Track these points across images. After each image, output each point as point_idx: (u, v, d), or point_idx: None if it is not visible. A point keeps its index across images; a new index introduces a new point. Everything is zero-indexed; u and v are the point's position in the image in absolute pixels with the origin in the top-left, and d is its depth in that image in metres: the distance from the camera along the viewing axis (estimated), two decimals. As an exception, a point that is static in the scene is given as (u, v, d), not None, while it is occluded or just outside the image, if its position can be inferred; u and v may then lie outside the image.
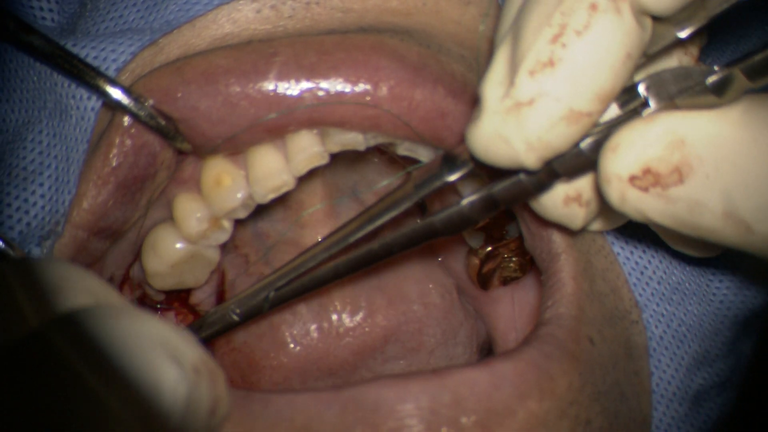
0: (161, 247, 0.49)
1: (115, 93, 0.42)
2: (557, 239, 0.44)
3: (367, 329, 0.58)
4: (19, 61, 0.45)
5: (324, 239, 0.42)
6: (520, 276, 0.54)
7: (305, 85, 0.43)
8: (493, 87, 0.33)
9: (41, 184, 0.43)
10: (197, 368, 0.29)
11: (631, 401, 0.44)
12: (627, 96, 0.34)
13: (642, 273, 0.46)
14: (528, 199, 0.39)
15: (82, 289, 0.29)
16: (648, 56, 0.34)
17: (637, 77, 0.35)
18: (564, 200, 0.38)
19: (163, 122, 0.43)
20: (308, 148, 0.46)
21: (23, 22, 0.42)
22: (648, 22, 0.32)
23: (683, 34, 0.33)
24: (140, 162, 0.44)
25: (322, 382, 0.57)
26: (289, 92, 0.43)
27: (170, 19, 0.45)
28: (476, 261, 0.54)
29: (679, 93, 0.32)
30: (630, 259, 0.46)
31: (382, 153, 0.60)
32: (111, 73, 0.43)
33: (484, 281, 0.54)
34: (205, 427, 0.30)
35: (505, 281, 0.54)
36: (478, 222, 0.39)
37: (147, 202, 0.46)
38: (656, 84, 0.33)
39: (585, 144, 0.34)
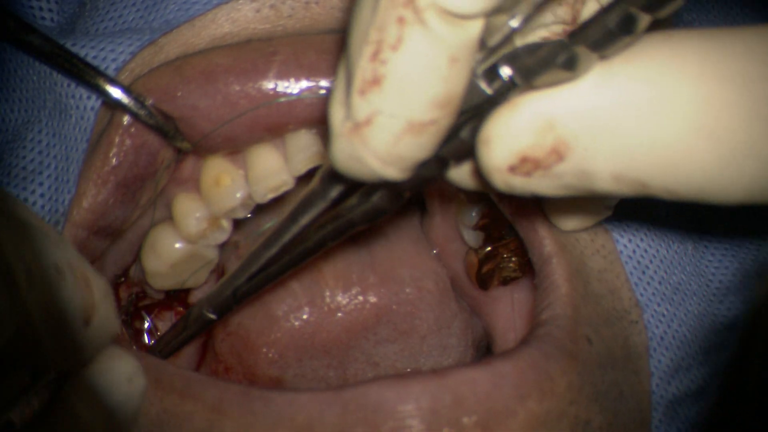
0: (161, 246, 0.49)
1: (115, 92, 0.42)
2: (548, 243, 0.44)
3: (358, 306, 0.59)
4: (18, 61, 0.45)
5: (264, 239, 0.42)
6: (520, 276, 0.54)
7: (305, 83, 0.43)
8: (335, 108, 0.32)
9: (41, 184, 0.43)
10: (59, 268, 0.29)
11: (630, 401, 0.44)
12: (492, 75, 0.32)
13: (644, 273, 0.46)
14: (432, 183, 0.38)
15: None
16: (492, 47, 0.33)
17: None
18: (470, 174, 0.37)
19: (162, 121, 0.43)
20: (307, 148, 0.46)
21: (23, 21, 0.42)
22: (471, 21, 0.30)
23: (515, 23, 0.32)
24: (140, 161, 0.44)
25: (317, 362, 0.57)
26: (288, 91, 0.43)
27: (169, 18, 0.45)
28: (475, 260, 0.54)
29: (534, 71, 0.32)
30: (632, 258, 0.46)
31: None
32: (110, 72, 0.43)
33: (483, 281, 0.54)
34: (81, 338, 0.30)
35: (505, 281, 0.54)
36: (391, 211, 0.39)
37: (147, 201, 0.46)
38: (514, 60, 0.32)
39: (465, 132, 0.34)
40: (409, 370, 0.57)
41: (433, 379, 0.38)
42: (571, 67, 0.31)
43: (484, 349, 0.58)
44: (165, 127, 0.43)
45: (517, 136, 0.32)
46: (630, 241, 0.46)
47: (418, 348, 0.58)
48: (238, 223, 0.57)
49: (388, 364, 0.58)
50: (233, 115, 0.43)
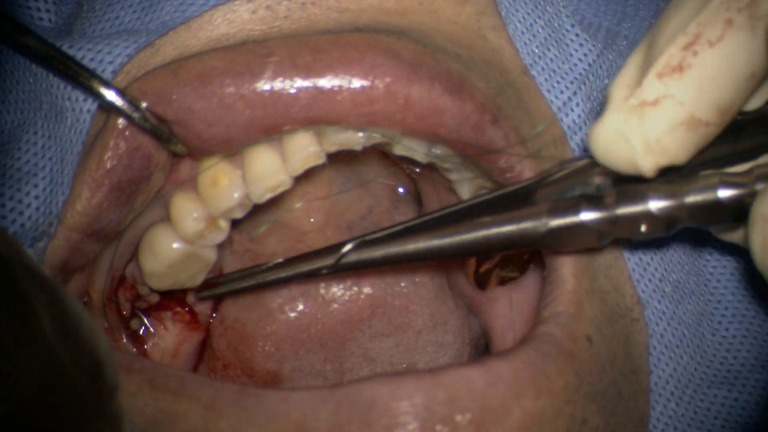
0: (158, 247, 0.49)
1: (110, 95, 0.42)
2: None
3: (353, 296, 0.59)
4: (15, 63, 0.46)
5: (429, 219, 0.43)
6: (518, 276, 0.54)
7: (300, 84, 0.43)
8: (620, 88, 0.35)
9: (36, 185, 0.43)
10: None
11: (629, 400, 0.44)
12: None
13: (645, 270, 0.46)
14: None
15: None
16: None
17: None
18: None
19: (157, 124, 0.43)
20: (305, 148, 0.46)
21: (19, 23, 0.42)
22: None
23: None
24: (134, 164, 0.44)
25: (314, 355, 0.58)
26: (284, 92, 0.43)
27: (166, 20, 0.45)
28: (473, 260, 0.54)
29: None
30: (634, 254, 0.46)
31: (386, 156, 0.60)
32: (107, 75, 0.43)
33: (481, 281, 0.54)
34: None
35: (503, 281, 0.54)
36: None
37: (142, 204, 0.46)
38: None
39: (724, 194, 0.36)
40: (405, 365, 0.57)
41: (427, 376, 0.38)
42: None
43: (483, 349, 0.58)
44: (159, 130, 0.43)
45: None
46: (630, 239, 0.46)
47: (414, 344, 0.58)
48: (235, 223, 0.58)
49: (385, 360, 0.58)
50: (229, 116, 0.43)
